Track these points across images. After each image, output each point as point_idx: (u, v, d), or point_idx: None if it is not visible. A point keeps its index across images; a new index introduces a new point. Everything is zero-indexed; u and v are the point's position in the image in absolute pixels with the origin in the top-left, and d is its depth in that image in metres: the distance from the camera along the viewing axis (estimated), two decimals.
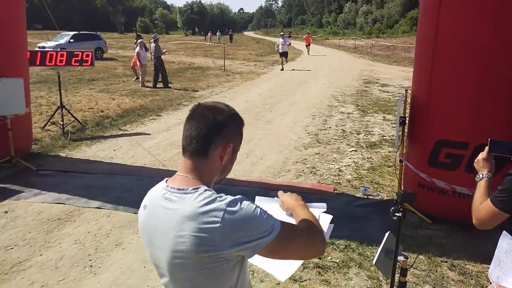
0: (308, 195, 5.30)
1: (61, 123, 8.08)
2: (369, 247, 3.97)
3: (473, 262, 3.77)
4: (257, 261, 1.34)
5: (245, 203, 1.20)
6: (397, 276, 2.61)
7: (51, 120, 8.45)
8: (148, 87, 14.30)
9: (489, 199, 1.79)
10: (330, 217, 1.56)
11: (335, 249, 3.94)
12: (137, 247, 4.05)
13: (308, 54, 31.21)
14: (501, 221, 1.77)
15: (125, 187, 5.50)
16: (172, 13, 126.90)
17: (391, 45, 35.89)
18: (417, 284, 3.47)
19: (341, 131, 8.69)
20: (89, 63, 8.18)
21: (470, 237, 4.19)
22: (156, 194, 1.33)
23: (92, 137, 8.01)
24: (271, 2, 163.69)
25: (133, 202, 5.00)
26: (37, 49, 16.71)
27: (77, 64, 8.22)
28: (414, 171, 4.60)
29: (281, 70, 20.31)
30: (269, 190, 5.29)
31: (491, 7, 3.86)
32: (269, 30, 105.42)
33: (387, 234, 2.37)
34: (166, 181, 1.34)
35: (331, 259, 3.79)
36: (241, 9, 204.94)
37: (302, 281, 3.46)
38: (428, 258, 3.84)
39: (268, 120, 9.54)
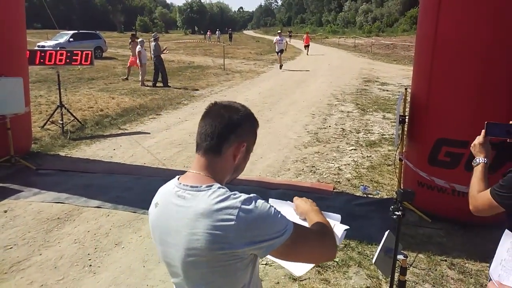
0: (308, 194, 5.30)
1: (61, 122, 8.07)
2: (369, 246, 3.97)
3: (473, 261, 3.77)
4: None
5: (260, 202, 1.20)
6: (396, 275, 2.61)
7: (50, 119, 8.45)
8: (147, 86, 14.30)
9: (488, 190, 1.79)
10: (345, 227, 1.56)
11: None
12: (137, 247, 4.05)
13: (307, 54, 30.72)
14: (497, 212, 1.78)
15: (124, 186, 5.50)
16: (171, 12, 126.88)
17: (391, 43, 35.87)
18: (417, 283, 3.47)
19: (341, 130, 8.69)
20: (88, 62, 8.17)
21: (469, 235, 4.19)
22: (168, 192, 1.32)
23: (91, 136, 8.01)
24: (270, 1, 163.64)
25: (132, 201, 5.00)
26: (36, 48, 16.70)
27: (77, 63, 8.21)
28: (413, 169, 4.60)
29: (280, 68, 20.16)
30: (269, 189, 5.29)
31: (491, 6, 3.85)
32: (269, 29, 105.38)
33: (386, 233, 2.37)
34: (178, 179, 1.33)
35: None
36: (241, 7, 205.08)
37: (302, 280, 3.46)
38: (427, 257, 3.84)
39: (267, 119, 9.54)
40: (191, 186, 1.25)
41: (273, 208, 1.21)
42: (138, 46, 14.66)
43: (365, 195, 5.32)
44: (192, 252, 1.19)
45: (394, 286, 2.56)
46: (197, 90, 13.97)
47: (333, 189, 5.51)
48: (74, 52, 8.19)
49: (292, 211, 1.60)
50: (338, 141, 7.83)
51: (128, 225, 4.47)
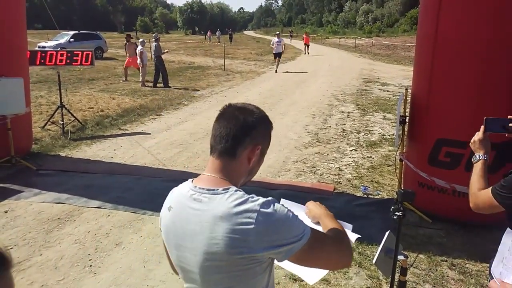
0: (308, 195, 5.30)
1: (61, 122, 8.08)
2: (369, 246, 3.97)
3: (473, 261, 3.77)
4: (285, 263, 1.29)
5: (278, 205, 1.18)
6: (397, 275, 2.61)
7: (51, 120, 8.45)
8: (148, 86, 14.30)
9: (489, 189, 1.79)
10: (356, 236, 1.55)
11: None
12: (137, 247, 4.05)
13: (306, 54, 30.30)
14: (496, 211, 1.79)
15: (125, 186, 5.50)
16: (172, 12, 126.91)
17: (391, 44, 35.86)
18: (417, 283, 3.47)
19: (341, 130, 8.69)
20: (89, 62, 8.18)
21: (470, 236, 4.19)
22: (182, 195, 1.29)
23: (92, 137, 8.01)
24: (271, 1, 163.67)
25: (133, 201, 5.00)
26: (37, 48, 16.71)
27: (77, 63, 8.21)
28: (414, 170, 4.60)
29: (276, 72, 18.94)
30: (269, 190, 5.29)
31: (491, 6, 3.85)
32: (269, 29, 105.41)
33: (387, 233, 2.37)
34: (192, 181, 1.30)
35: None
36: (241, 8, 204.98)
37: (302, 281, 3.45)
38: (428, 257, 3.84)
39: None
40: (208, 189, 1.23)
41: (290, 212, 1.19)
42: (140, 47, 14.67)
43: (366, 196, 5.32)
44: (211, 256, 1.17)
45: (395, 287, 2.55)
46: (197, 90, 13.97)
47: (334, 189, 5.51)
48: (75, 52, 8.20)
49: (303, 215, 1.59)
50: (338, 141, 7.83)
51: (129, 226, 4.47)
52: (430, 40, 4.26)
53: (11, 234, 4.25)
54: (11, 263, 0.75)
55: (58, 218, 4.61)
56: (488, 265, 2.04)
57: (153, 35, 16.53)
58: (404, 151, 4.94)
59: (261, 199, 1.17)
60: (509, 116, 1.92)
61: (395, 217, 2.16)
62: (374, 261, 2.35)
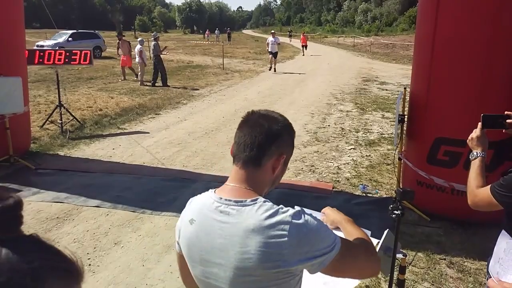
0: (307, 193, 5.31)
1: (60, 122, 8.07)
2: None
3: (472, 260, 3.78)
4: (315, 275, 1.23)
5: (307, 216, 1.14)
6: (395, 273, 2.61)
7: (49, 119, 8.44)
8: (147, 85, 14.29)
9: (488, 187, 1.80)
10: (376, 241, 1.52)
11: None
12: (136, 246, 4.05)
13: (303, 55, 29.36)
14: (495, 210, 1.79)
15: (124, 185, 5.50)
16: (170, 11, 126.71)
17: (390, 43, 35.88)
18: (416, 282, 3.48)
19: (340, 129, 8.70)
20: (87, 61, 8.16)
21: (468, 234, 4.20)
22: (205, 207, 1.22)
23: (90, 136, 8.00)
24: (269, 0, 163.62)
25: (132, 200, 5.00)
26: (35, 47, 16.67)
27: (76, 62, 8.20)
28: (413, 168, 4.60)
29: (269, 69, 18.75)
30: None
31: (490, 5, 3.86)
32: (268, 28, 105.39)
33: (385, 232, 2.37)
34: (215, 192, 1.25)
35: None
36: (240, 7, 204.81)
37: None
38: (426, 255, 3.85)
39: None
40: (236, 201, 1.17)
41: (320, 222, 1.16)
42: (139, 46, 14.66)
43: (364, 194, 5.32)
44: (243, 271, 1.12)
45: (393, 285, 2.56)
46: (196, 89, 13.96)
47: (332, 188, 5.52)
48: (73, 51, 8.18)
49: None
50: (337, 140, 7.83)
51: (128, 225, 4.47)
52: (429, 39, 4.26)
53: None
54: (83, 276, 0.74)
55: (57, 217, 4.61)
56: (486, 263, 2.05)
57: (152, 34, 16.49)
58: (403, 149, 4.94)
59: (291, 210, 1.14)
60: (505, 112, 1.93)
61: (393, 215, 2.16)
62: None
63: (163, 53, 14.95)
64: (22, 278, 0.63)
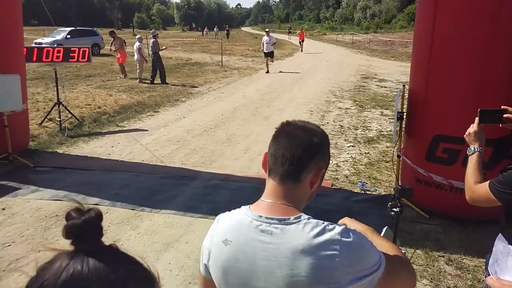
0: None
1: (58, 119, 8.05)
2: None
3: (470, 257, 3.79)
4: None
5: (355, 232, 1.09)
6: None
7: (48, 117, 8.42)
8: (145, 83, 14.27)
9: (487, 183, 1.80)
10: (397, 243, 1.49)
11: None
12: (135, 244, 4.06)
13: (301, 51, 29.27)
14: (493, 205, 1.80)
15: (122, 183, 5.50)
16: (169, 8, 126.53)
17: (389, 40, 35.86)
18: None
19: (339, 126, 8.70)
20: (86, 59, 8.14)
21: (467, 231, 4.21)
22: (242, 226, 1.12)
23: (89, 134, 7.99)
24: None
25: (131, 198, 5.00)
26: (33, 45, 16.63)
27: (74, 60, 8.18)
28: (411, 166, 4.61)
29: (266, 72, 17.57)
30: None
31: (489, 2, 3.85)
32: (267, 25, 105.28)
33: (384, 229, 2.37)
34: (249, 208, 1.16)
35: None
36: (239, 4, 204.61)
37: None
38: (425, 252, 3.86)
39: (266, 116, 9.52)
40: (278, 219, 1.09)
41: (366, 238, 1.11)
42: (137, 43, 14.63)
43: (363, 192, 5.33)
44: None
45: None
46: (195, 87, 13.94)
47: (331, 185, 5.52)
48: (72, 49, 8.16)
49: None
50: (336, 137, 7.83)
51: (126, 222, 4.47)
52: (428, 36, 4.26)
53: (8, 231, 4.25)
54: (160, 283, 0.76)
55: (56, 215, 4.60)
56: (484, 260, 2.06)
57: (151, 31, 16.46)
58: (401, 147, 4.95)
59: (338, 227, 1.07)
60: (502, 107, 1.93)
61: (392, 213, 2.16)
62: None
63: (161, 49, 14.92)
64: None
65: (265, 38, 18.07)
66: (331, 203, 4.86)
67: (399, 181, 5.06)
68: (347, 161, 6.49)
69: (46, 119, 8.38)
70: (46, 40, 22.73)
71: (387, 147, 7.20)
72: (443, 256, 3.81)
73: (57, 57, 7.90)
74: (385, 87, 14.11)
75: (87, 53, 8.08)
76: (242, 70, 18.89)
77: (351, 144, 7.42)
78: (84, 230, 0.71)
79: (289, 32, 49.83)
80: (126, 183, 5.49)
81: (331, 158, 5.97)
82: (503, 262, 1.80)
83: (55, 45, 10.10)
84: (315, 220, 1.09)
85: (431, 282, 3.45)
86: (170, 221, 4.47)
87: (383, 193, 5.28)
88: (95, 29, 27.17)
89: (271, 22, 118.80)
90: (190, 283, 3.47)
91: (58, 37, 23.25)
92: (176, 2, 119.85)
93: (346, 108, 10.56)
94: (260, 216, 1.11)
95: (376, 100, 11.75)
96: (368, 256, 1.07)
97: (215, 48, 28.73)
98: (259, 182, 5.49)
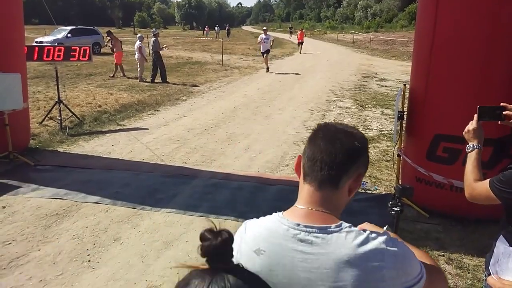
0: None
1: (59, 118, 8.06)
2: None
3: (470, 256, 3.79)
4: None
5: (397, 241, 1.04)
6: None
7: (48, 115, 8.42)
8: (146, 82, 14.27)
9: (487, 181, 1.79)
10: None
11: None
12: (135, 242, 4.06)
13: (300, 52, 28.04)
14: (493, 204, 1.79)
15: (123, 182, 5.50)
16: (170, 7, 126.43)
17: (390, 39, 35.81)
18: None
19: None
20: (86, 58, 8.14)
21: (467, 231, 4.21)
22: (278, 235, 1.04)
23: (90, 132, 8.00)
24: None
25: (131, 197, 5.00)
26: (34, 44, 16.63)
27: (75, 59, 8.18)
28: (412, 165, 4.60)
29: (266, 71, 17.59)
30: (268, 185, 5.29)
31: (489, 2, 3.85)
32: (267, 24, 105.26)
33: (385, 228, 2.37)
34: (283, 216, 1.08)
35: None
36: (239, 3, 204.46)
37: None
38: (425, 252, 3.85)
39: (266, 115, 9.53)
40: (319, 228, 1.02)
41: (407, 246, 1.06)
42: (138, 42, 14.64)
43: (364, 191, 5.33)
44: None
45: None
46: (195, 86, 13.94)
47: None
48: (72, 48, 8.17)
49: None
50: None
51: (127, 221, 4.48)
52: (429, 35, 4.26)
53: (9, 229, 4.25)
54: None
55: (56, 214, 4.61)
56: (484, 259, 2.06)
57: (152, 30, 16.46)
58: (402, 146, 4.95)
59: (381, 237, 1.02)
60: (501, 104, 1.92)
61: (393, 212, 2.16)
62: None
63: (162, 48, 14.93)
64: None
65: (263, 36, 17.94)
66: None
67: (400, 181, 5.06)
68: None
69: (46, 118, 8.39)
70: (47, 39, 22.74)
71: (387, 146, 7.20)
72: (443, 255, 3.81)
73: (58, 56, 7.91)
74: (385, 86, 14.10)
75: (88, 52, 8.08)
76: (243, 69, 18.88)
77: None
78: (220, 250, 0.79)
79: (291, 32, 49.60)
80: (126, 182, 5.50)
81: None
82: (504, 263, 1.81)
83: (56, 44, 10.08)
84: (356, 228, 1.04)
85: None
86: (170, 219, 4.48)
87: (384, 192, 5.28)
88: (96, 28, 27.17)
89: (271, 21, 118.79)
90: None
91: (59, 36, 23.27)
92: (177, 1, 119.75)
93: (347, 107, 10.56)
94: (298, 225, 1.04)
95: (377, 99, 11.75)
96: (412, 266, 1.03)
97: (216, 47, 28.72)
98: (259, 181, 5.50)
